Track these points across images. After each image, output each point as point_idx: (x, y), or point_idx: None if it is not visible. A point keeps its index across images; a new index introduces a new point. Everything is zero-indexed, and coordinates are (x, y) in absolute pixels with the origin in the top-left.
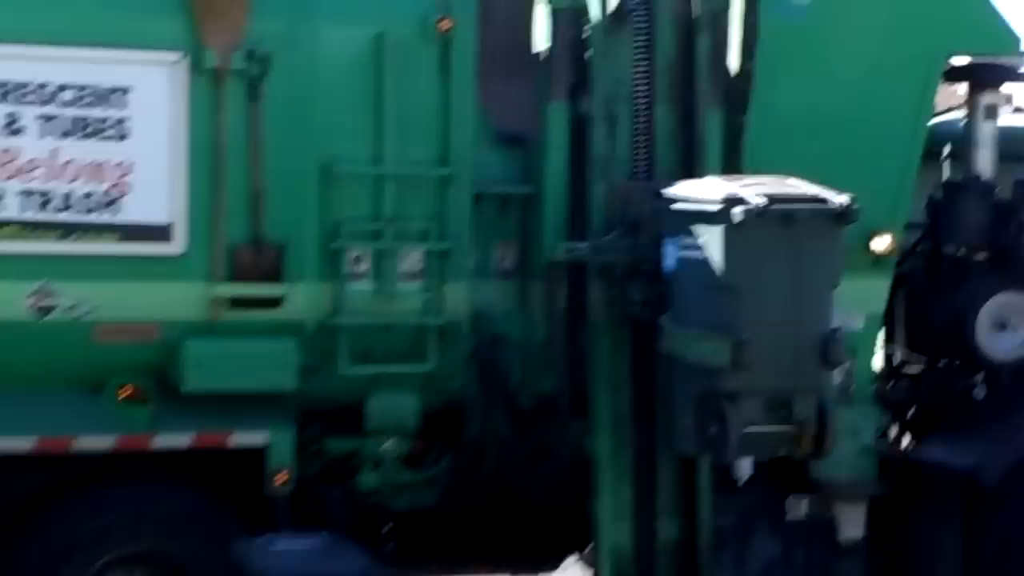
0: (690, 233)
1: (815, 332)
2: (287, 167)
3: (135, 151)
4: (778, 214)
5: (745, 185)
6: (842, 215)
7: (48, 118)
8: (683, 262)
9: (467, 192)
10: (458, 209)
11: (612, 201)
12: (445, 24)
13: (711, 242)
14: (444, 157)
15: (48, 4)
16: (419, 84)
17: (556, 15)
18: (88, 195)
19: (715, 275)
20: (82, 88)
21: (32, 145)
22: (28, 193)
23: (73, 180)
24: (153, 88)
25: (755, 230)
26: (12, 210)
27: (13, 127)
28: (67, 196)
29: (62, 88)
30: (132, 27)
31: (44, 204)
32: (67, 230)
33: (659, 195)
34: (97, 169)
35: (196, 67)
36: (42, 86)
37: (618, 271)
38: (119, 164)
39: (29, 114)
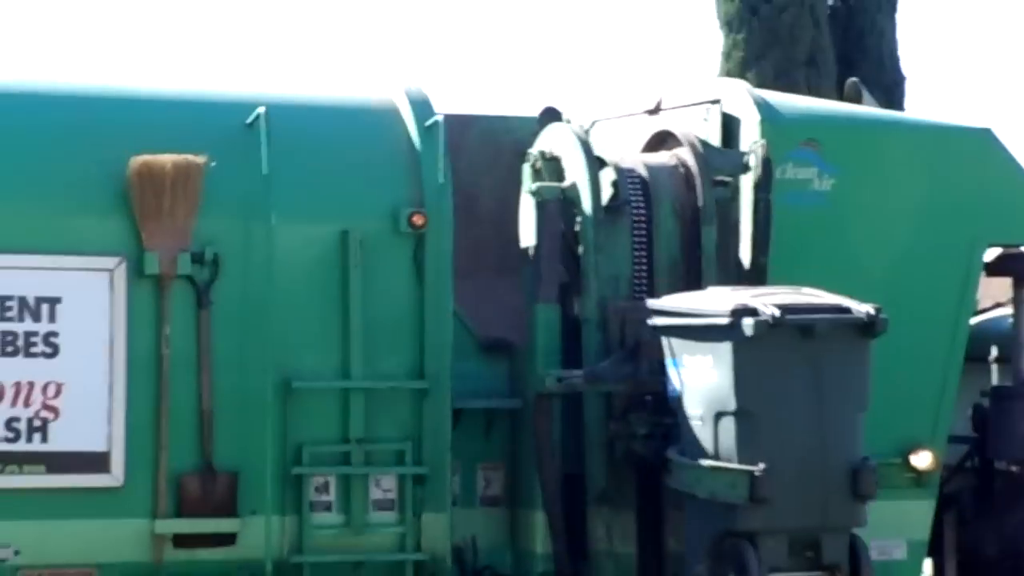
0: (696, 351)
1: (843, 461)
2: (240, 383)
3: (67, 369)
4: (795, 325)
5: (756, 295)
6: (869, 326)
7: None
8: (690, 385)
9: (446, 408)
10: (436, 428)
11: (609, 323)
12: (418, 219)
13: (720, 360)
14: (419, 368)
15: None
16: (390, 286)
17: (543, 207)
18: (12, 421)
19: (727, 398)
20: (6, 299)
21: None
22: None
23: None
24: (87, 298)
25: (770, 344)
26: None
27: None
28: None
29: None
30: (63, 230)
31: None
32: None
33: (659, 311)
34: (23, 390)
35: (136, 273)
36: None
37: (618, 401)
38: (48, 384)
39: None
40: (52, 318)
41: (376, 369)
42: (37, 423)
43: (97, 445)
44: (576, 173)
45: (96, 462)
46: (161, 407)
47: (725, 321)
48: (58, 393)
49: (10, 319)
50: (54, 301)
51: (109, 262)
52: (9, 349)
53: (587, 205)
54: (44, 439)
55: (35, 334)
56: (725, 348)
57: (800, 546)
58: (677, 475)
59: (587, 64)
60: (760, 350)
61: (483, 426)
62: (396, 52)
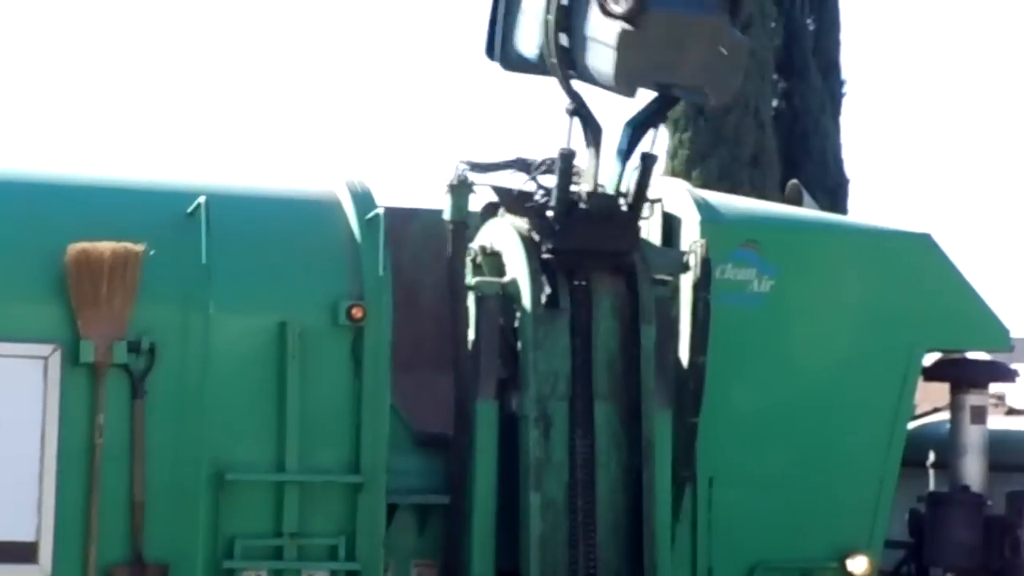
0: None
1: None
2: (173, 474)
3: None
4: None
5: None
6: None
7: None
8: None
9: (381, 503)
10: (371, 523)
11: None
12: (357, 312)
13: None
14: (355, 462)
15: None
16: (327, 379)
17: (482, 302)
18: None
19: None
20: None
21: None
22: None
23: None
24: (20, 385)
25: None
26: None
27: None
28: None
29: None
30: None
31: None
32: None
33: None
34: None
35: (71, 361)
36: None
37: None
38: None
39: None
40: None
41: (311, 462)
42: None
43: (26, 535)
44: (516, 269)
45: (24, 552)
46: (92, 498)
47: None
48: None
49: None
50: None
51: (44, 349)
52: None
53: (526, 301)
54: None
55: None
56: None
57: None
58: None
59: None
60: None
61: (418, 522)
62: (339, 142)
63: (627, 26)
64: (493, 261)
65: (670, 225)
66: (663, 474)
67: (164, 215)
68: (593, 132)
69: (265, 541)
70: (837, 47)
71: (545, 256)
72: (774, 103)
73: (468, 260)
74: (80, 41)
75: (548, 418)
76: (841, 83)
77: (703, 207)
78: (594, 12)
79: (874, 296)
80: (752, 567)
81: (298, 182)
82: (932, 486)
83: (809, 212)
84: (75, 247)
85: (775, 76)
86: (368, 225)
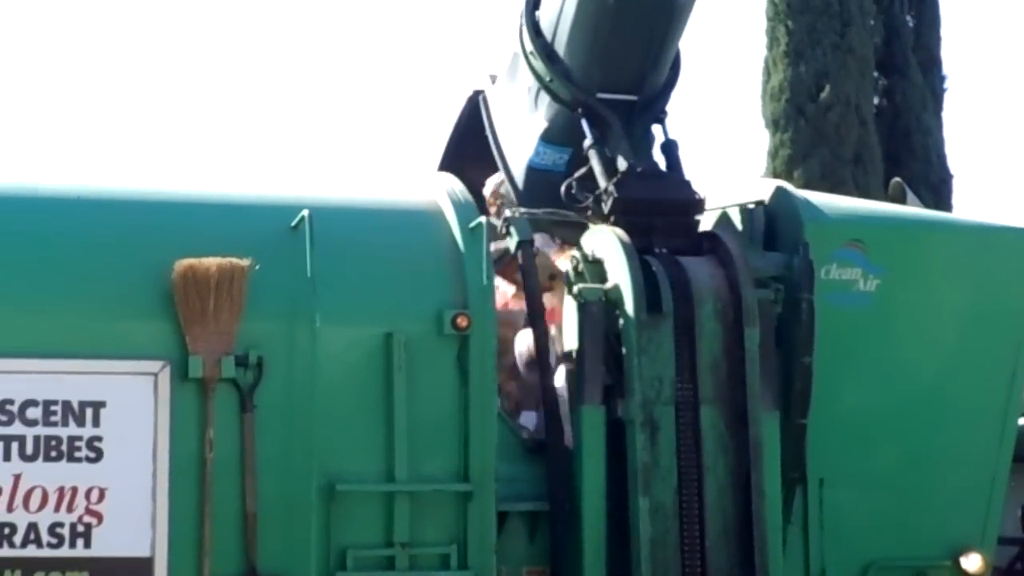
0: None
1: None
2: (284, 487)
3: (110, 474)
4: None
5: None
6: None
7: (10, 439)
8: None
9: (491, 511)
10: (481, 531)
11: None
12: (462, 321)
13: None
14: (464, 471)
15: (10, 310)
16: (434, 388)
17: (585, 308)
18: (56, 526)
19: None
20: (51, 403)
21: None
22: None
23: (39, 509)
24: (131, 402)
25: None
26: None
27: None
28: (31, 528)
29: (27, 404)
30: (107, 334)
31: (5, 538)
32: (31, 567)
33: None
34: (67, 496)
35: (180, 377)
36: (5, 403)
37: None
38: (92, 489)
39: None
40: (96, 423)
41: (420, 472)
42: (80, 528)
43: (141, 551)
44: (618, 275)
45: (140, 568)
46: (204, 511)
47: None
48: (101, 498)
49: (54, 423)
50: (98, 405)
51: (153, 366)
52: (53, 454)
53: (629, 307)
54: (87, 545)
55: (79, 439)
56: None
57: None
58: None
59: None
60: None
61: (528, 529)
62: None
63: None
64: (595, 268)
65: (773, 226)
66: (772, 476)
67: (269, 229)
68: (607, 126)
69: (377, 551)
70: (938, 43)
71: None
72: (875, 101)
73: (570, 267)
74: (88, 48)
75: (654, 423)
76: (942, 79)
77: (806, 207)
78: (548, 7)
79: (980, 292)
80: (865, 567)
81: (399, 192)
82: None
83: (913, 210)
84: (182, 263)
85: (876, 74)
86: (471, 234)
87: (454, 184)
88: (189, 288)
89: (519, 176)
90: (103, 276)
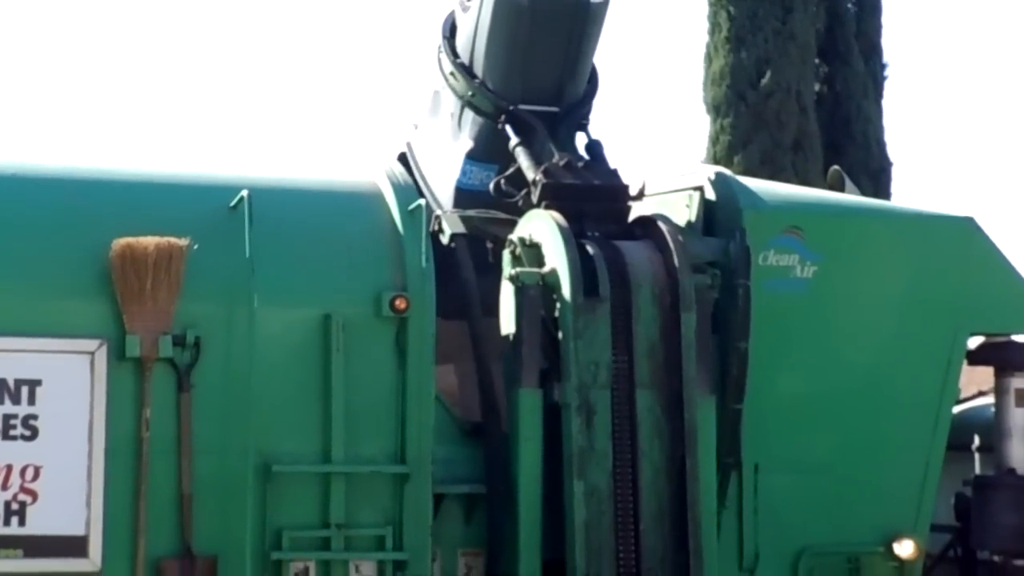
0: None
1: None
2: (220, 467)
3: (46, 452)
4: None
5: None
6: None
7: None
8: None
9: (427, 493)
10: (417, 513)
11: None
12: (400, 303)
13: None
14: (400, 453)
15: None
16: (371, 370)
17: (523, 291)
18: None
19: None
20: None
21: None
22: None
23: None
24: (67, 380)
25: None
26: None
27: None
28: None
29: None
30: (44, 313)
31: None
32: None
33: None
34: (1, 473)
35: (117, 356)
36: None
37: None
38: (27, 467)
39: None
40: (32, 400)
41: (357, 453)
42: (15, 506)
43: (75, 529)
44: (556, 259)
45: (74, 546)
46: (140, 491)
47: None
48: (36, 476)
49: None
50: (34, 384)
51: (90, 344)
52: None
53: (566, 291)
54: (22, 522)
55: (14, 416)
56: None
57: None
58: None
59: None
60: None
61: (464, 511)
62: (381, 132)
63: None
64: (532, 252)
65: (711, 212)
66: (707, 461)
67: (208, 209)
68: (531, 130)
69: (312, 532)
70: (879, 30)
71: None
72: (816, 88)
73: (507, 251)
74: (80, 43)
75: (590, 407)
76: (883, 67)
77: (744, 194)
78: (463, 20)
79: (918, 280)
80: (799, 552)
81: (338, 174)
82: (978, 470)
83: (852, 198)
84: (120, 242)
85: (817, 60)
86: (410, 216)
87: (394, 166)
88: (127, 267)
89: (447, 201)
90: (40, 255)
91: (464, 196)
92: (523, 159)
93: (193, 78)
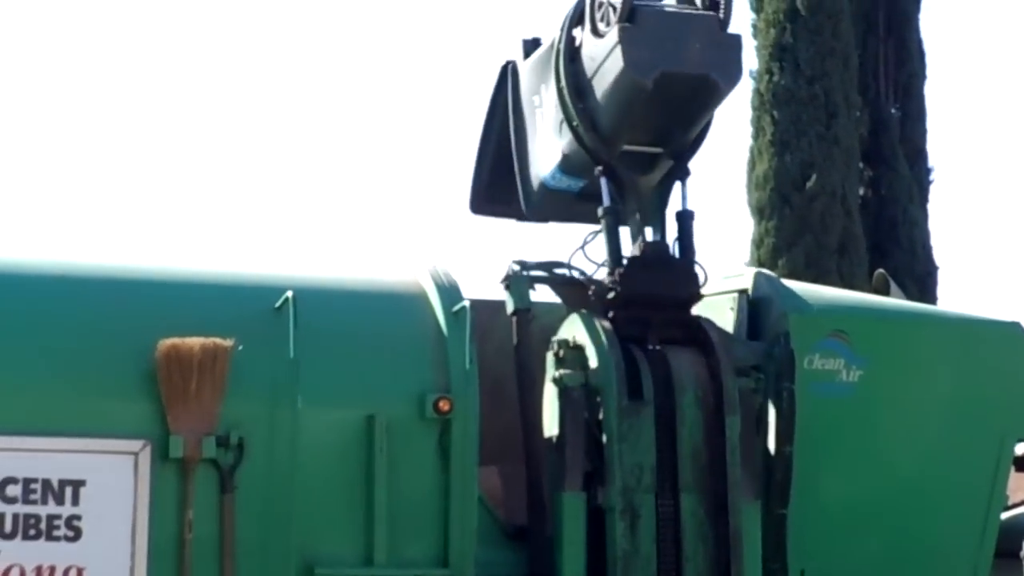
0: None
1: None
2: (263, 569)
3: (89, 553)
4: None
5: None
6: None
7: None
8: None
9: None
10: None
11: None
12: (444, 405)
13: None
14: (443, 555)
15: None
16: (414, 472)
17: (566, 394)
18: None
19: None
20: (30, 481)
21: None
22: None
23: None
24: (111, 480)
25: None
26: None
27: None
28: None
29: (7, 482)
30: (87, 413)
31: None
32: None
33: None
34: (44, 574)
35: (161, 456)
36: None
37: None
38: (70, 569)
39: None
40: (76, 501)
41: (400, 556)
42: None
43: None
44: (599, 361)
45: None
46: None
47: None
48: None
49: (33, 502)
50: (78, 484)
51: (134, 445)
52: (32, 532)
53: (610, 394)
54: None
55: (58, 517)
56: None
57: None
58: None
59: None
60: None
61: None
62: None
63: (624, 23)
64: (576, 354)
65: (756, 315)
66: (753, 567)
67: (252, 310)
68: (625, 188)
69: None
70: (924, 135)
71: (609, 317)
72: (861, 191)
73: (551, 353)
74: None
75: (634, 510)
76: (928, 171)
77: (789, 297)
78: (589, 47)
79: (964, 385)
80: None
81: (382, 273)
82: None
83: (897, 301)
84: (165, 343)
85: (861, 165)
86: (454, 318)
87: (437, 265)
88: (172, 367)
89: (532, 185)
90: (85, 355)
91: (547, 193)
92: (605, 242)
93: (236, 172)
